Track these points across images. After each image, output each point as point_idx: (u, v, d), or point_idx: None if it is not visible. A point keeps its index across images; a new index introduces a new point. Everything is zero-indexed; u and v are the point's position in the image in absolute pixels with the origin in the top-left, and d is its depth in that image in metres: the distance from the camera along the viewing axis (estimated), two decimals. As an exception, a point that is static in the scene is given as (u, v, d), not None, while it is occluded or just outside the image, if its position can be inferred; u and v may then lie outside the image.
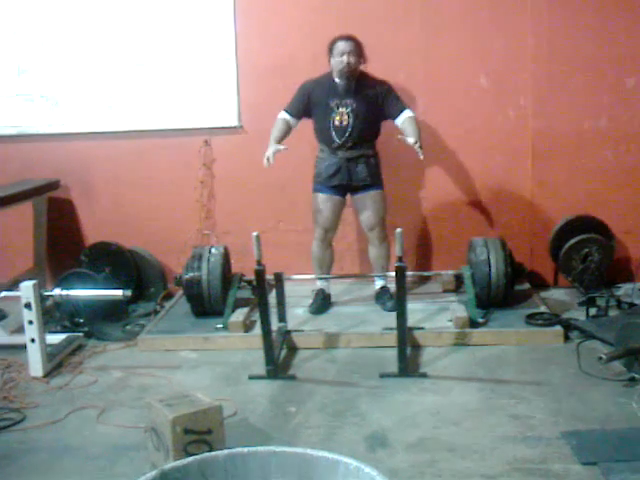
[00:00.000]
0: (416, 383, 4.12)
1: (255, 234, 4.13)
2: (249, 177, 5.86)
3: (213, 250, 5.25)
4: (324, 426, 3.64)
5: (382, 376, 4.20)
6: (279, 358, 4.46)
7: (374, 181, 5.19)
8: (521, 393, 3.93)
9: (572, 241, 5.48)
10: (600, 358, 3.96)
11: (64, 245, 6.03)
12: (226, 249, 5.36)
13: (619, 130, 5.60)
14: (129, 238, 5.88)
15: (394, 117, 5.11)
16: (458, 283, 5.48)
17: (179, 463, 2.15)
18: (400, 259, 4.13)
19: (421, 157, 4.88)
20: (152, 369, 4.48)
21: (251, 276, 4.67)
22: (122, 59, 5.83)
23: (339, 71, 5.00)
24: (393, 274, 4.25)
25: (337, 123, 5.09)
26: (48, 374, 4.41)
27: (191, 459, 2.15)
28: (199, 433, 3.15)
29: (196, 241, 5.80)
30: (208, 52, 5.77)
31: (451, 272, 5.45)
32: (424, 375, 4.21)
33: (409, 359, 4.31)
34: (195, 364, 4.58)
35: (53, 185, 5.88)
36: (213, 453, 2.22)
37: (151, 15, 5.77)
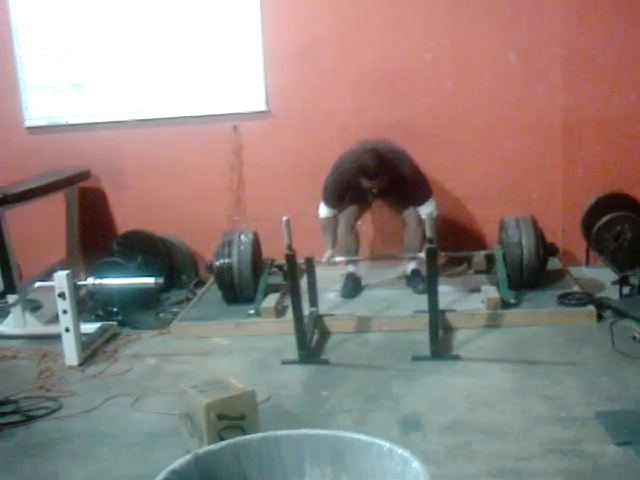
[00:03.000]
0: (449, 365, 4.11)
1: (285, 219, 4.13)
2: (278, 162, 5.88)
3: (242, 237, 5.26)
4: (357, 410, 3.64)
5: (414, 359, 4.19)
6: (311, 343, 4.47)
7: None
8: (554, 374, 3.90)
9: (604, 219, 5.42)
10: (634, 337, 3.94)
11: (96, 234, 6.08)
12: (256, 234, 5.37)
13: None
14: (160, 226, 5.92)
15: (415, 204, 5.16)
16: (490, 264, 5.44)
17: (213, 447, 2.16)
18: (431, 241, 4.12)
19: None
20: (185, 356, 4.51)
21: (282, 261, 4.68)
22: (149, 47, 5.86)
23: (366, 176, 4.96)
24: (424, 256, 4.24)
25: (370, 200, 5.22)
26: (83, 363, 4.45)
27: (224, 443, 2.17)
28: (233, 419, 3.17)
29: (227, 227, 5.81)
30: (234, 37, 5.78)
31: (483, 252, 5.42)
32: (456, 357, 4.20)
33: (441, 342, 4.30)
34: (228, 350, 4.61)
35: (84, 175, 5.93)
36: (246, 437, 2.23)
37: (178, 2, 5.78)
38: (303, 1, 5.72)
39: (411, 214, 5.19)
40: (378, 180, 4.91)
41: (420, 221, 5.11)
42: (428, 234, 4.13)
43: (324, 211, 5.21)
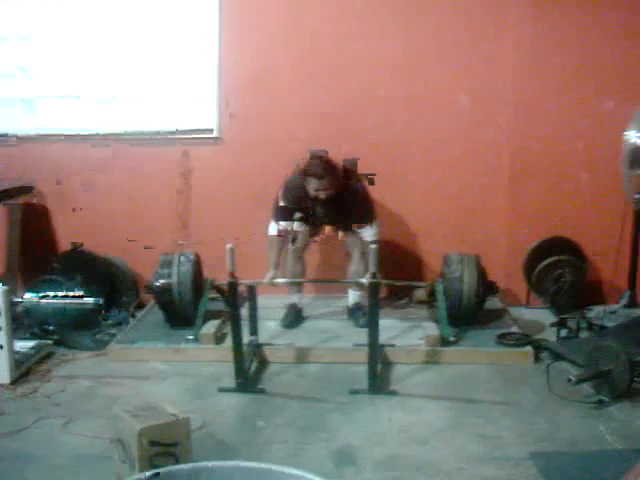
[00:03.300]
0: (386, 400, 4.11)
1: (229, 246, 4.11)
2: (226, 188, 5.87)
3: (182, 257, 5.21)
4: (292, 441, 3.62)
5: (352, 392, 4.18)
6: (249, 371, 4.44)
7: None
8: (490, 413, 3.93)
9: (545, 262, 5.52)
10: (569, 380, 3.99)
11: (36, 251, 5.96)
12: (197, 255, 5.33)
13: (595, 153, 5.64)
14: (103, 246, 5.83)
15: (358, 225, 5.13)
16: (431, 297, 5.46)
17: (141, 476, 2.12)
18: (374, 275, 4.13)
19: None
20: (121, 379, 4.44)
21: (223, 281, 4.63)
22: (102, 65, 5.81)
23: (313, 197, 4.96)
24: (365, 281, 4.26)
25: (319, 215, 5.13)
26: (15, 381, 4.36)
27: (153, 472, 2.13)
28: (165, 445, 3.12)
29: (170, 250, 5.77)
30: (190, 62, 5.77)
31: (424, 284, 5.45)
32: (394, 393, 4.20)
33: (379, 376, 4.31)
34: (165, 375, 4.55)
35: (27, 189, 5.85)
36: (177, 466, 2.20)
37: (134, 22, 5.77)
38: (261, 30, 5.72)
39: (355, 244, 5.19)
40: (326, 180, 4.85)
41: (364, 253, 5.12)
42: (371, 268, 4.15)
43: (273, 228, 5.17)
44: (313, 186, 4.89)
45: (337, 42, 5.67)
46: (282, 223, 5.13)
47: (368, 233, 5.05)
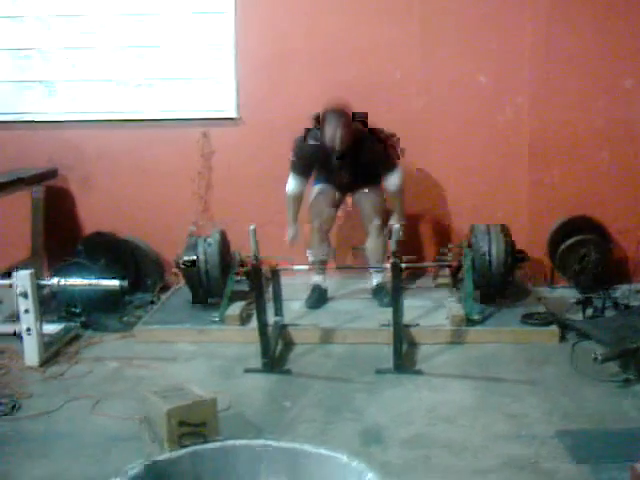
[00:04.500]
0: (411, 380, 4.12)
1: (252, 227, 4.12)
2: (247, 169, 5.86)
3: (209, 236, 5.22)
4: (319, 421, 3.64)
5: (378, 372, 4.20)
6: (275, 352, 4.45)
7: (373, 180, 5.23)
8: (516, 392, 3.93)
9: (569, 242, 5.49)
10: (595, 358, 3.97)
11: (61, 235, 6.00)
12: (224, 232, 5.32)
13: (615, 131, 5.61)
14: (126, 229, 5.87)
15: (382, 175, 5.18)
16: (455, 280, 5.47)
17: (170, 454, 2.15)
18: (396, 255, 4.13)
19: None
20: (148, 360, 4.47)
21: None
22: (121, 49, 5.82)
23: (330, 146, 4.93)
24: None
25: (337, 182, 5.21)
26: (44, 364, 4.40)
27: (183, 451, 2.15)
28: (194, 425, 3.15)
29: (193, 233, 5.79)
30: (207, 43, 5.76)
31: (448, 263, 5.43)
32: (419, 372, 4.21)
33: (405, 356, 4.32)
34: (191, 356, 4.58)
35: (51, 174, 5.87)
36: (205, 445, 2.21)
37: (151, 5, 5.76)
38: (278, 11, 5.71)
39: (372, 226, 5.20)
40: (342, 123, 4.84)
41: (381, 230, 5.15)
42: (393, 246, 4.14)
43: (291, 184, 5.18)
44: (329, 133, 4.86)
45: (354, 23, 5.64)
46: (298, 182, 5.16)
47: (392, 181, 5.10)
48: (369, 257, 5.30)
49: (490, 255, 4.99)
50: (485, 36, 5.63)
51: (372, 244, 5.25)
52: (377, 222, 5.20)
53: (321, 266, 5.31)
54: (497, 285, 5.07)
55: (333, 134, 4.84)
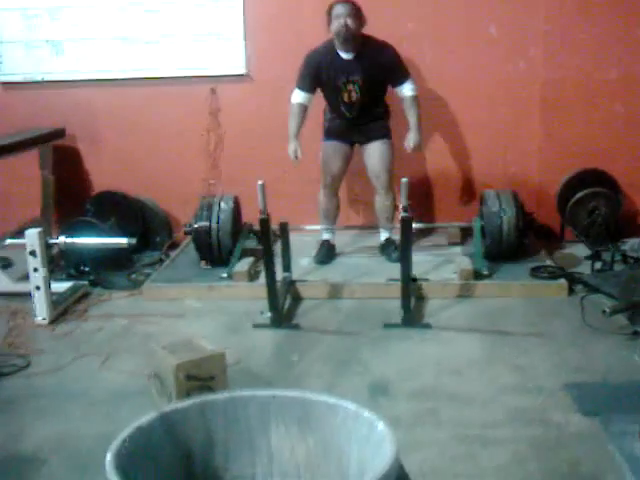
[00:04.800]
0: (419, 333, 4.13)
1: (260, 183, 4.10)
2: (255, 126, 5.84)
3: (222, 203, 5.20)
4: (327, 375, 3.66)
5: (386, 326, 4.21)
6: (283, 308, 4.46)
7: (382, 133, 5.20)
8: (524, 345, 3.94)
9: (579, 195, 5.46)
10: (604, 311, 3.95)
11: (70, 194, 6.01)
12: (236, 200, 5.33)
13: (629, 83, 5.54)
14: (135, 187, 5.88)
15: (394, 86, 5.12)
16: (464, 236, 5.46)
17: (179, 405, 2.15)
18: (405, 209, 4.11)
19: (409, 150, 5.04)
20: (156, 317, 4.49)
21: (256, 224, 4.64)
22: (129, 5, 5.77)
23: (338, 35, 4.91)
24: (398, 225, 4.24)
25: (346, 99, 5.10)
26: (53, 321, 4.44)
27: (191, 401, 2.16)
28: (202, 379, 3.17)
29: (202, 190, 5.78)
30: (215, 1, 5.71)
31: (460, 224, 5.43)
32: (427, 326, 4.21)
33: (413, 310, 4.32)
34: (199, 313, 4.60)
35: (59, 133, 5.86)
36: (213, 396, 2.22)
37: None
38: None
39: (380, 182, 5.19)
40: (350, 11, 4.86)
41: (390, 187, 5.16)
42: (402, 201, 4.12)
43: (295, 96, 5.14)
44: (338, 12, 4.87)
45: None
46: (303, 95, 5.11)
47: (407, 87, 5.08)
48: (378, 214, 5.29)
49: (502, 220, 4.98)
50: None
51: (380, 201, 5.24)
52: (384, 178, 5.18)
53: (330, 222, 5.31)
54: (510, 250, 5.05)
55: (341, 22, 4.86)
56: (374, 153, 5.19)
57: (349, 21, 4.85)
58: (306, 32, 5.50)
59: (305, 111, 5.14)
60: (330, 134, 5.27)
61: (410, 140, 5.09)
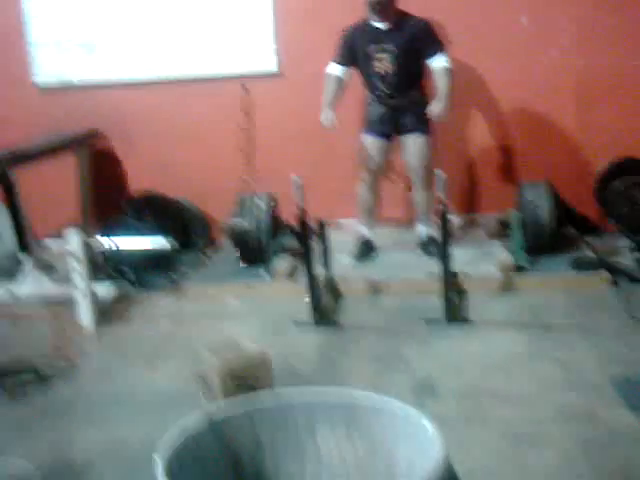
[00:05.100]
0: (461, 329, 4.11)
1: (296, 178, 4.10)
2: (289, 124, 5.84)
3: (259, 201, 5.22)
4: (370, 373, 3.65)
5: (428, 323, 4.20)
6: (324, 305, 4.45)
7: (420, 127, 5.14)
8: (568, 339, 3.90)
9: (618, 184, 5.39)
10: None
11: (108, 195, 6.05)
12: (273, 196, 5.33)
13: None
14: (170, 187, 5.88)
15: (427, 58, 5.05)
16: (503, 228, 5.42)
17: (227, 409, 2.15)
18: (444, 204, 4.09)
19: (431, 117, 4.95)
20: (198, 318, 4.52)
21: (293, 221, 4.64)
22: (160, 7, 5.80)
23: (372, 7, 4.92)
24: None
25: (378, 70, 5.05)
26: (97, 325, 4.46)
27: (239, 406, 2.16)
28: (247, 380, 3.18)
29: (238, 189, 5.79)
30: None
31: (497, 216, 5.40)
32: (469, 321, 4.19)
33: (454, 306, 4.29)
34: (240, 312, 4.62)
35: (94, 135, 5.90)
36: (260, 399, 2.21)
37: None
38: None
39: (417, 177, 5.17)
40: None
41: (428, 181, 5.06)
42: (442, 197, 4.10)
43: (330, 67, 5.15)
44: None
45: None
46: (339, 68, 5.10)
47: (441, 59, 5.01)
48: (416, 209, 5.27)
49: (539, 212, 4.95)
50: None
51: (418, 196, 5.22)
52: (422, 173, 5.15)
53: (369, 218, 5.29)
54: (548, 243, 5.02)
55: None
56: (411, 149, 5.15)
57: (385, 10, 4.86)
58: (337, 29, 5.48)
59: (340, 83, 5.12)
60: (369, 125, 5.22)
61: (435, 106, 4.95)
